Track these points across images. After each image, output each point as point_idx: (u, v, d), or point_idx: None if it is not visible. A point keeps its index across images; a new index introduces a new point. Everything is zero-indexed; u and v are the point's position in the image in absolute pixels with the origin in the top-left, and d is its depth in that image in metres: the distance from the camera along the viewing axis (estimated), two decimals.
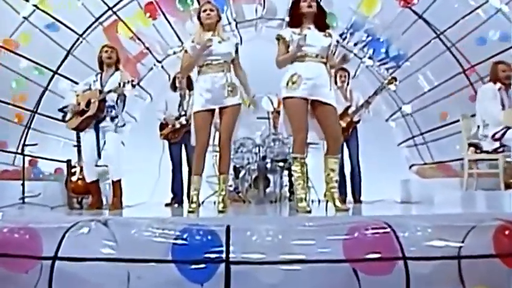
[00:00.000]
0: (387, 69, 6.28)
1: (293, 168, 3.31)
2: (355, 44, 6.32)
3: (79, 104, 4.29)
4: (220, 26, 3.61)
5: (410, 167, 6.58)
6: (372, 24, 6.08)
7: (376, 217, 2.46)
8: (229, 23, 6.26)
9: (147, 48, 6.17)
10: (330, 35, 3.41)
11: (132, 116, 6.58)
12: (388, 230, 2.25)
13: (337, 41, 3.50)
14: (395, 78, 4.98)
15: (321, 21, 3.41)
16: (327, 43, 3.36)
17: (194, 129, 3.53)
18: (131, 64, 6.22)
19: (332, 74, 3.42)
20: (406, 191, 5.93)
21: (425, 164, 6.29)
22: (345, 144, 5.06)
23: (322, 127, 3.32)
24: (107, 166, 4.26)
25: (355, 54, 6.36)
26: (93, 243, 2.27)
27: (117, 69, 4.40)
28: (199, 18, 3.60)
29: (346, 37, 6.20)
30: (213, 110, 3.53)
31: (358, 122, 5.21)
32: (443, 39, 5.65)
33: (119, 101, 4.28)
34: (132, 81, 4.07)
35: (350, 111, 5.15)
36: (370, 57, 6.29)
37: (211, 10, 3.56)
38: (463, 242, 2.23)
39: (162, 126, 5.37)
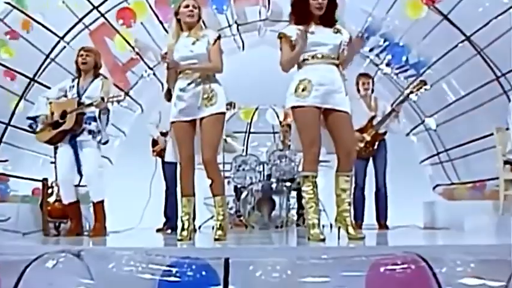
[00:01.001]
0: (407, 77, 6.13)
1: (303, 188, 3.18)
2: (371, 50, 6.20)
3: (52, 113, 4.16)
4: (198, 26, 3.48)
5: (434, 188, 6.48)
6: (389, 28, 5.93)
7: (405, 248, 2.30)
8: (230, 26, 6.20)
9: (137, 54, 6.07)
10: (339, 31, 3.29)
11: (121, 130, 6.53)
12: (422, 264, 2.08)
13: (350, 38, 3.33)
14: (424, 82, 4.92)
15: (330, 15, 3.27)
16: (338, 41, 3.24)
17: (173, 143, 3.43)
18: (120, 72, 6.11)
19: (346, 77, 3.28)
20: (430, 214, 5.83)
21: (452, 184, 6.16)
22: (371, 161, 5.09)
23: (334, 138, 3.20)
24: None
25: (371, 60, 6.28)
26: (62, 280, 2.09)
27: (97, 75, 4.29)
28: (177, 14, 3.45)
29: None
30: (192, 121, 3.39)
31: (384, 134, 5.14)
32: (471, 43, 5.48)
33: (101, 115, 4.16)
34: (118, 97, 3.93)
35: (375, 122, 5.10)
36: (387, 64, 6.14)
37: (194, 7, 3.42)
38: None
39: (155, 142, 5.35)
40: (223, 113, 3.38)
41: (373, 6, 5.83)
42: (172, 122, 3.40)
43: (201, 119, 3.35)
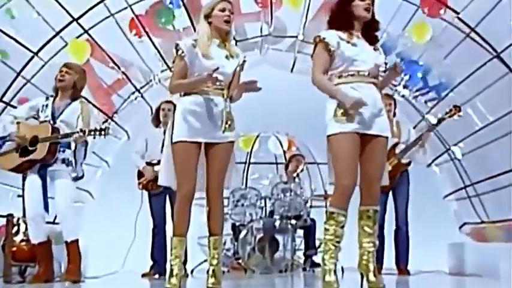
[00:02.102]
0: (427, 101, 6.12)
1: (326, 226, 3.08)
2: (385, 71, 6.14)
3: (23, 137, 4.03)
4: (231, 37, 3.38)
5: (461, 227, 6.38)
6: (406, 45, 5.94)
7: None
8: None
9: (123, 73, 6.07)
10: (379, 50, 3.25)
11: (104, 160, 6.48)
12: None
13: (385, 63, 3.30)
14: (458, 108, 4.85)
15: (372, 31, 3.20)
16: (380, 60, 3.20)
17: (175, 167, 3.22)
18: (105, 94, 6.12)
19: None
20: (457, 258, 5.64)
21: (482, 222, 6.04)
22: (390, 195, 5.02)
23: (363, 164, 3.10)
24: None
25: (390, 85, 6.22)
26: None
27: (76, 97, 4.18)
28: (208, 17, 3.28)
29: None
30: (199, 144, 3.24)
31: (408, 164, 5.07)
32: (501, 61, 5.46)
33: (78, 147, 4.05)
34: (102, 131, 3.78)
35: (398, 150, 5.03)
36: (405, 86, 6.14)
37: (231, 12, 3.29)
38: None
39: (140, 174, 5.28)
40: (234, 142, 3.34)
41: (388, 21, 5.74)
42: (177, 142, 3.19)
43: (210, 145, 3.24)
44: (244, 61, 3.37)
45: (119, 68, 5.98)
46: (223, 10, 3.25)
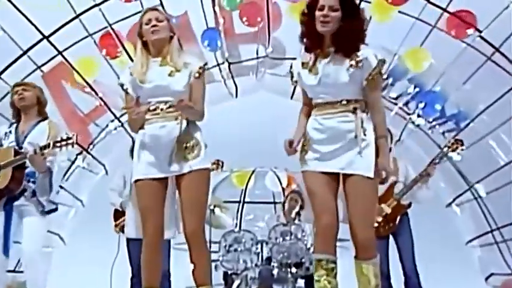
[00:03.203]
0: (444, 132, 6.13)
1: (315, 277, 3.04)
2: (397, 97, 6.28)
3: None
4: (174, 47, 3.29)
5: (488, 278, 6.27)
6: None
7: None
8: (219, 65, 6.26)
9: (101, 99, 6.09)
10: (358, 62, 2.99)
11: (78, 198, 6.44)
12: None
13: (381, 61, 3.03)
14: (460, 142, 4.87)
15: (347, 37, 2.99)
16: (349, 77, 2.99)
17: (134, 213, 3.40)
18: (80, 124, 6.14)
19: (367, 122, 3.05)
20: None
21: None
22: (392, 240, 4.97)
23: (347, 209, 3.08)
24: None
25: (400, 113, 6.29)
26: None
27: (44, 118, 4.10)
28: (141, 35, 3.30)
29: (385, 88, 6.15)
30: (164, 179, 3.22)
31: (409, 206, 5.02)
32: None
33: (40, 176, 3.92)
34: (68, 139, 3.64)
35: (396, 190, 4.95)
36: (419, 115, 6.15)
37: (158, 20, 3.24)
38: None
39: (118, 214, 5.26)
40: (209, 170, 3.25)
41: (400, 43, 5.87)
42: (136, 181, 3.22)
43: (178, 177, 3.20)
44: (201, 68, 3.24)
45: (96, 93, 6.00)
46: (148, 22, 3.23)
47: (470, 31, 5.66)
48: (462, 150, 4.86)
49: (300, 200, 6.21)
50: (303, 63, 3.11)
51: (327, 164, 3.04)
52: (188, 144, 3.17)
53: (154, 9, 3.35)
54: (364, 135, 2.98)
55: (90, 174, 6.41)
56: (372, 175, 2.95)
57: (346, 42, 2.99)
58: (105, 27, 5.88)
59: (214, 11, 5.95)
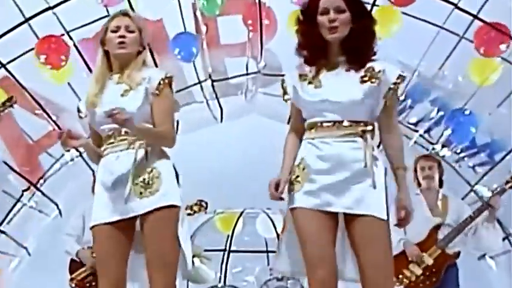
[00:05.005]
0: (474, 166, 6.08)
1: None
2: (417, 123, 6.24)
3: None
4: (138, 62, 3.24)
5: None
6: (446, 89, 6.06)
7: None
8: (200, 83, 6.26)
9: (55, 123, 5.95)
10: (372, 76, 2.95)
11: (22, 246, 6.30)
12: None
13: (400, 78, 2.98)
14: None
15: (359, 43, 2.96)
16: (363, 93, 2.92)
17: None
18: (28, 153, 6.11)
19: (377, 151, 3.00)
20: None
21: None
22: None
23: (357, 259, 2.98)
24: None
25: (421, 141, 6.26)
26: None
27: None
28: (103, 43, 3.23)
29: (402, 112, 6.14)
30: (124, 222, 3.15)
31: (457, 255, 4.98)
32: None
33: None
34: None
35: (441, 235, 4.93)
36: (444, 145, 6.10)
37: (128, 30, 3.19)
38: None
39: (75, 265, 5.23)
40: (176, 207, 3.11)
41: (420, 57, 5.85)
42: (94, 227, 3.19)
43: (141, 220, 3.15)
44: (162, 82, 3.15)
45: (49, 115, 5.96)
46: (115, 30, 3.18)
47: (503, 46, 5.62)
48: None
49: None
50: (300, 75, 3.04)
51: (328, 200, 2.94)
52: (145, 177, 3.11)
53: (125, 14, 3.28)
54: (376, 166, 2.93)
55: (40, 215, 6.35)
56: (385, 217, 2.89)
57: (359, 49, 2.96)
58: (62, 35, 5.80)
59: (195, 17, 5.92)
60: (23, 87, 5.81)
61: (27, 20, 5.66)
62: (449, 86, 6.01)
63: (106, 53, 3.23)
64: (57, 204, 6.36)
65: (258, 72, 6.22)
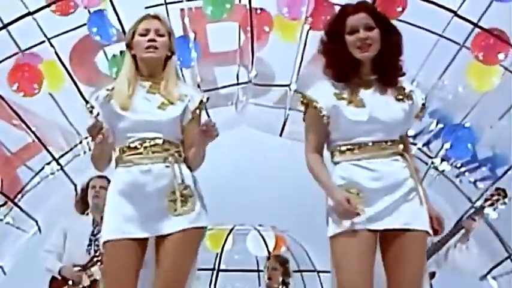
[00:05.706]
0: (475, 181, 6.17)
1: None
2: (416, 136, 6.26)
3: None
4: (172, 72, 3.27)
5: None
6: (446, 100, 6.12)
7: None
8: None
9: (35, 135, 5.98)
10: (404, 95, 3.08)
11: None
12: None
13: (424, 103, 3.20)
14: (503, 192, 4.99)
15: (390, 61, 3.06)
16: (404, 112, 3.04)
17: (103, 275, 3.38)
18: (6, 167, 6.11)
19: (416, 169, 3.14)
20: None
21: None
22: None
23: (389, 275, 3.07)
24: None
25: (420, 155, 6.23)
26: None
27: None
28: (130, 47, 3.24)
29: None
30: (143, 240, 3.14)
31: (432, 276, 5.11)
32: None
33: None
34: None
35: None
36: (443, 159, 6.19)
37: (158, 34, 3.20)
38: None
39: (56, 283, 5.23)
40: (203, 228, 3.17)
41: (419, 67, 5.89)
42: (109, 241, 3.13)
43: (160, 237, 3.13)
44: (202, 102, 3.23)
45: (28, 127, 5.95)
46: (145, 34, 3.18)
47: (501, 55, 5.67)
48: (505, 203, 4.94)
49: (280, 266, 6.17)
50: (335, 94, 3.06)
51: (383, 219, 3.02)
52: (180, 194, 3.09)
53: (155, 16, 3.27)
54: (420, 184, 3.08)
55: (17, 231, 6.32)
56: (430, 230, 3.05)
57: (391, 67, 3.07)
58: (42, 42, 5.82)
59: (184, 24, 5.92)
60: (0, 96, 5.80)
61: (5, 26, 5.64)
62: (449, 96, 6.07)
63: (133, 57, 3.24)
64: (36, 221, 6.34)
65: (249, 82, 6.23)
